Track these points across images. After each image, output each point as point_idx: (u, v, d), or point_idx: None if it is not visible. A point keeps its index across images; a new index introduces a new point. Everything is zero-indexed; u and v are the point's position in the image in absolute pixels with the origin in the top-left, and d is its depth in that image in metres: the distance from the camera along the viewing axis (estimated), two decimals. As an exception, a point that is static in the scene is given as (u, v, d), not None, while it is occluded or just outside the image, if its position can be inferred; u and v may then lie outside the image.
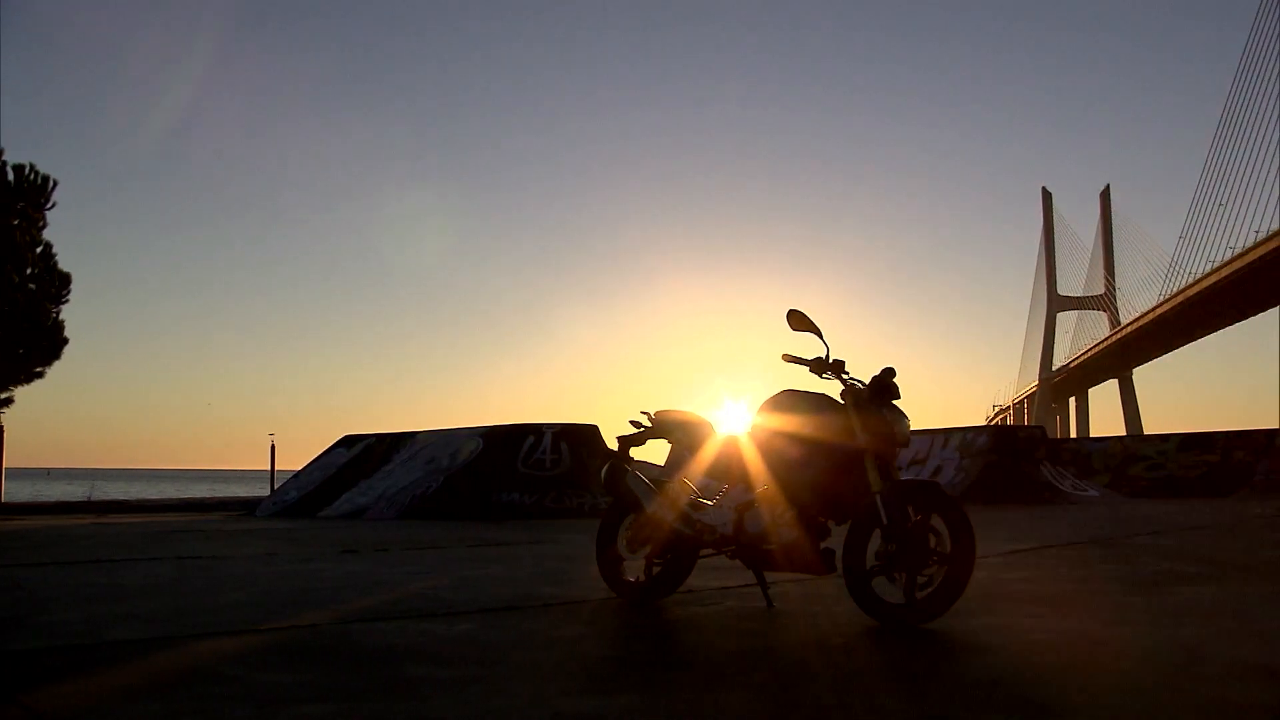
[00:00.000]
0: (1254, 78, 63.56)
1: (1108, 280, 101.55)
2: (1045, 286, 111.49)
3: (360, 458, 16.94)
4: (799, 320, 4.44)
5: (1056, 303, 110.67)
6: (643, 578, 4.90)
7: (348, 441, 17.65)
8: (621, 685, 3.10)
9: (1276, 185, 58.40)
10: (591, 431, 15.30)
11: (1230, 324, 76.46)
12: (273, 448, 36.34)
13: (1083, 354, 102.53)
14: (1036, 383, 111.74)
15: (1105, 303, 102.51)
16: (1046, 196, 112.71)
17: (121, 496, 29.67)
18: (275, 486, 24.54)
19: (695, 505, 4.75)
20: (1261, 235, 58.48)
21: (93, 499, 25.10)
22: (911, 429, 4.40)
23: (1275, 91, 60.56)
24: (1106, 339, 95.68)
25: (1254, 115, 62.89)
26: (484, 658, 3.52)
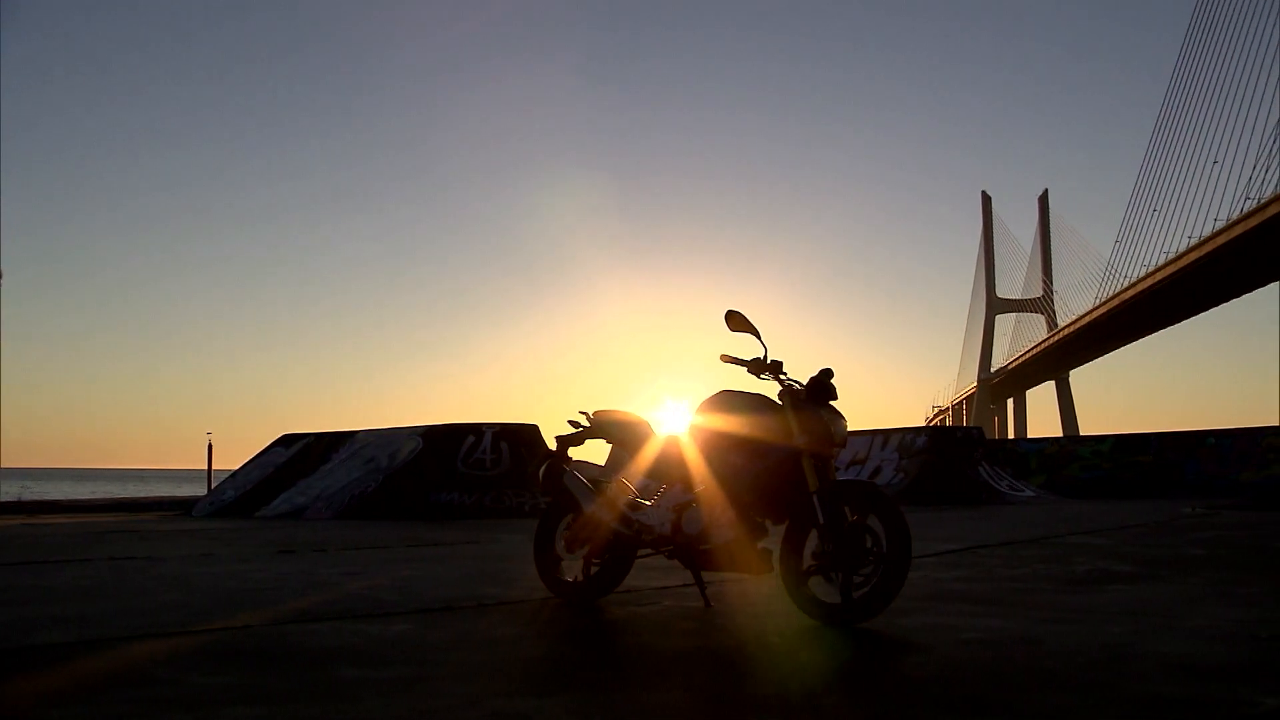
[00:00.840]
0: (1188, 85, 64.76)
1: (1045, 283, 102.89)
2: (984, 289, 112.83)
3: (299, 457, 16.81)
4: (737, 321, 4.46)
5: (995, 305, 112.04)
6: (581, 578, 4.90)
7: (286, 441, 17.50)
8: (559, 685, 3.09)
9: (1209, 191, 59.47)
10: (532, 431, 15.29)
11: (1164, 327, 77.79)
12: (210, 447, 36.01)
13: (1021, 355, 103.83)
14: (975, 384, 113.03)
15: (1043, 305, 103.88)
16: (986, 200, 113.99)
17: (54, 496, 29.20)
18: (212, 486, 24.29)
19: (633, 505, 4.75)
20: (1194, 241, 59.55)
21: (24, 499, 24.72)
22: (851, 430, 4.44)
23: (1207, 99, 61.72)
24: (1044, 341, 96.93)
25: (1188, 122, 64.05)
26: (420, 659, 3.50)
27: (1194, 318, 73.69)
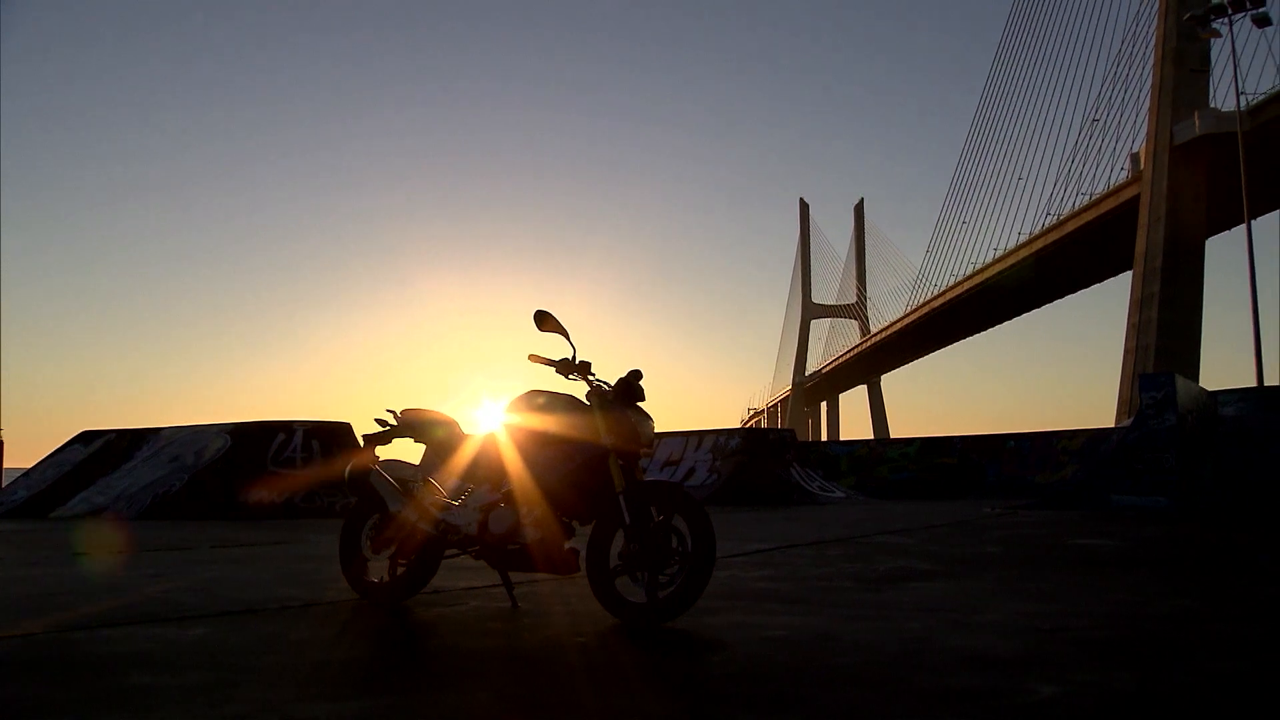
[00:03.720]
0: (998, 103, 67.64)
1: (859, 290, 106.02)
2: (801, 294, 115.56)
3: (99, 455, 16.10)
4: (546, 321, 4.46)
5: (811, 310, 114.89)
6: (387, 579, 4.84)
7: (85, 437, 16.74)
8: (360, 689, 3.04)
9: (1015, 206, 62.18)
10: (344, 430, 15.04)
11: (970, 335, 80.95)
12: (0, 444, 34.16)
13: (834, 360, 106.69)
14: (790, 387, 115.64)
15: (857, 311, 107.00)
16: (804, 207, 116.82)
17: None
18: (2, 486, 23.07)
19: (440, 505, 4.71)
20: (999, 253, 62.14)
21: None
22: (667, 431, 4.50)
23: (1015, 118, 64.53)
24: (857, 346, 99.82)
25: (997, 139, 66.89)
26: (217, 663, 3.40)
27: (998, 326, 76.96)
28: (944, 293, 71.04)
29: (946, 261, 71.76)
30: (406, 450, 5.08)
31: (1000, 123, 67.05)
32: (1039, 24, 62.56)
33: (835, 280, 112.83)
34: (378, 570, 4.91)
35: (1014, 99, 65.31)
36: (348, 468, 4.99)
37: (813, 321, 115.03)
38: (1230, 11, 35.99)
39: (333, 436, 14.98)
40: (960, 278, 68.10)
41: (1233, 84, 37.10)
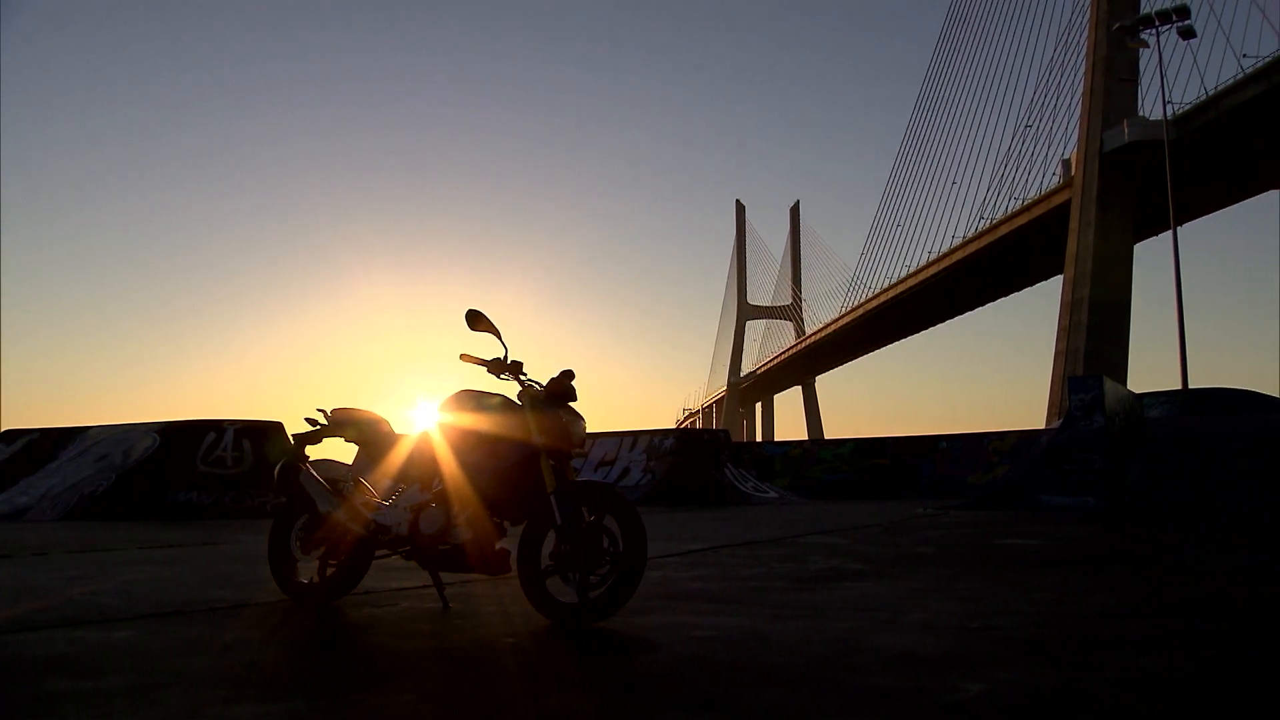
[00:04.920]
0: (932, 108, 68.41)
1: (795, 291, 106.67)
2: (736, 295, 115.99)
3: (21, 454, 15.80)
4: (479, 321, 4.44)
5: (746, 311, 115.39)
6: (317, 579, 4.79)
7: (7, 437, 16.43)
8: (285, 691, 3.01)
9: (949, 210, 62.91)
10: (276, 429, 14.87)
11: (903, 337, 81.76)
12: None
13: (769, 361, 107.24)
14: (725, 388, 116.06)
15: (792, 313, 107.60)
16: (740, 208, 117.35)
17: None
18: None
19: (371, 505, 4.68)
20: (933, 256, 62.84)
21: None
22: (601, 431, 4.50)
23: (949, 123, 65.30)
24: (792, 347, 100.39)
25: (931, 143, 67.67)
26: (139, 667, 3.33)
27: (932, 328, 77.82)
28: (879, 295, 71.70)
29: (881, 264, 72.54)
30: (338, 450, 5.04)
31: (935, 127, 67.93)
32: (974, 30, 63.45)
33: (771, 282, 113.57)
34: (308, 571, 4.86)
35: (949, 104, 66.18)
36: (277, 467, 4.95)
37: (748, 323, 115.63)
38: (1157, 23, 36.76)
39: (264, 436, 14.82)
40: (895, 280, 68.80)
41: (1160, 93, 37.89)
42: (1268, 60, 42.00)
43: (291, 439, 5.04)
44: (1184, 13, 36.85)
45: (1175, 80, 45.15)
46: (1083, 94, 51.29)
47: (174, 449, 14.49)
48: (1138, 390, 17.81)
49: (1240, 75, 42.95)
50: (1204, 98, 44.38)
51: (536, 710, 2.75)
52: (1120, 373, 46.99)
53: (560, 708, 2.79)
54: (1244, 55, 43.23)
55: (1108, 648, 3.52)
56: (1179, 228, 35.18)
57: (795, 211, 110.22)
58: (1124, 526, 9.81)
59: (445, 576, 4.65)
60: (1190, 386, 29.27)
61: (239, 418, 14.93)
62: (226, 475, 14.39)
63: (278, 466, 4.96)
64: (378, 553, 4.74)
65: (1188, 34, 37.09)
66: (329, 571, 4.77)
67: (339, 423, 4.88)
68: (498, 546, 4.37)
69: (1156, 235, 50.79)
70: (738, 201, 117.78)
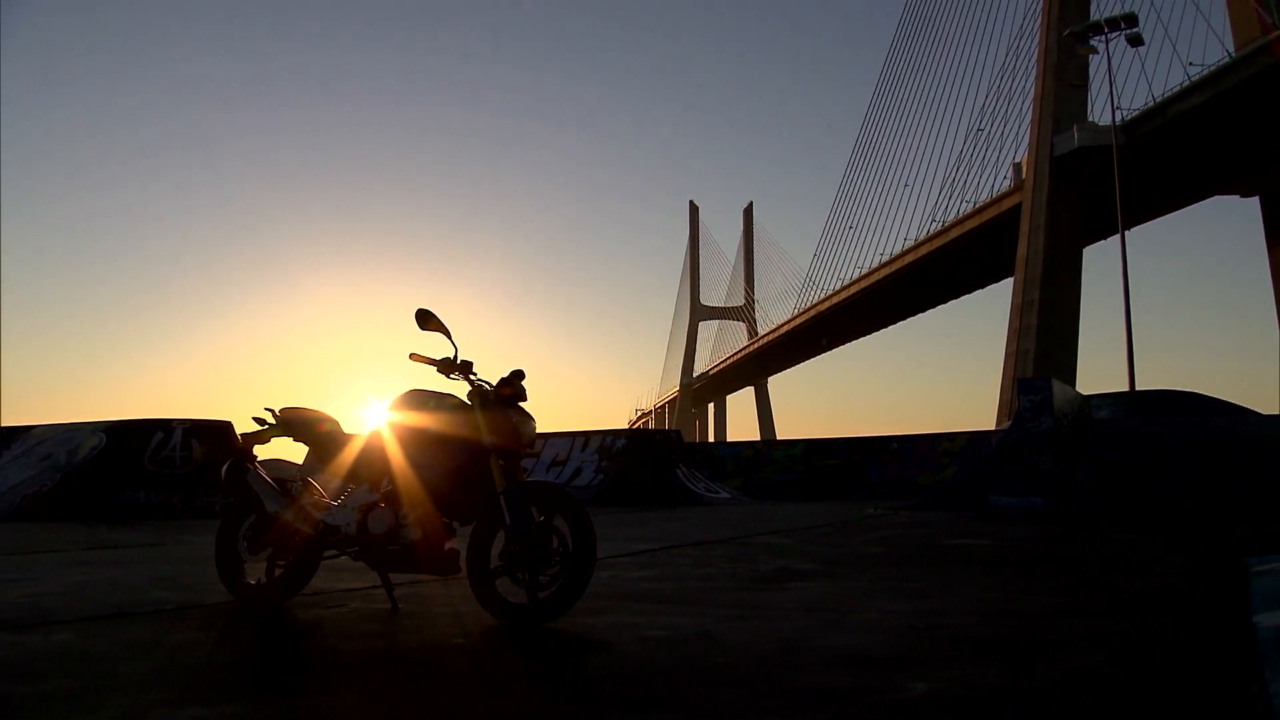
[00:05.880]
0: (885, 110, 68.84)
1: (748, 292, 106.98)
2: (689, 296, 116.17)
3: (-38, 454, 15.54)
4: (429, 320, 4.42)
5: (700, 312, 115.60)
6: (265, 580, 4.75)
7: (-52, 436, 16.15)
8: (230, 693, 2.98)
9: (902, 212, 63.37)
10: (225, 428, 14.72)
11: (856, 337, 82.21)
12: None
13: (722, 362, 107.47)
14: (678, 388, 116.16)
15: (745, 314, 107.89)
16: (693, 209, 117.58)
17: None
18: None
19: (318, 505, 4.64)
20: (885, 258, 63.24)
21: None
22: (554, 431, 4.49)
23: (901, 126, 65.75)
24: (744, 348, 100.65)
25: (884, 145, 68.08)
26: (82, 670, 3.29)
27: (884, 329, 78.31)
28: (831, 296, 72.05)
29: (834, 266, 72.85)
30: (288, 450, 5.00)
31: (889, 130, 68.34)
32: (928, 35, 63.92)
33: (724, 283, 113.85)
34: (255, 572, 4.82)
35: (902, 107, 66.62)
36: (224, 467, 4.90)
37: (701, 323, 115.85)
38: (1106, 30, 37.18)
39: (214, 435, 14.68)
40: (847, 282, 69.15)
41: (1109, 100, 38.33)
42: (1212, 69, 42.67)
43: (240, 438, 4.99)
44: (1132, 20, 37.29)
45: (1125, 87, 45.87)
46: (1034, 99, 51.81)
47: (121, 449, 14.30)
48: (1087, 391, 18.00)
49: (1186, 83, 43.59)
50: (1152, 104, 44.99)
51: (485, 711, 2.74)
52: (1070, 374, 47.49)
53: (509, 709, 2.78)
54: (1190, 64, 43.94)
55: (1052, 646, 3.56)
56: (1128, 231, 35.64)
57: (749, 213, 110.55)
58: (1072, 527, 9.92)
59: (395, 577, 4.63)
60: (1137, 388, 29.65)
61: (188, 417, 14.79)
62: (175, 475, 14.24)
63: (225, 466, 4.91)
64: (326, 553, 4.70)
65: (1136, 41, 37.55)
66: (277, 572, 4.73)
67: (287, 422, 4.84)
68: (447, 547, 4.35)
69: (1106, 239, 51.41)
70: (691, 203, 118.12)
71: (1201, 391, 19.13)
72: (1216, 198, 53.71)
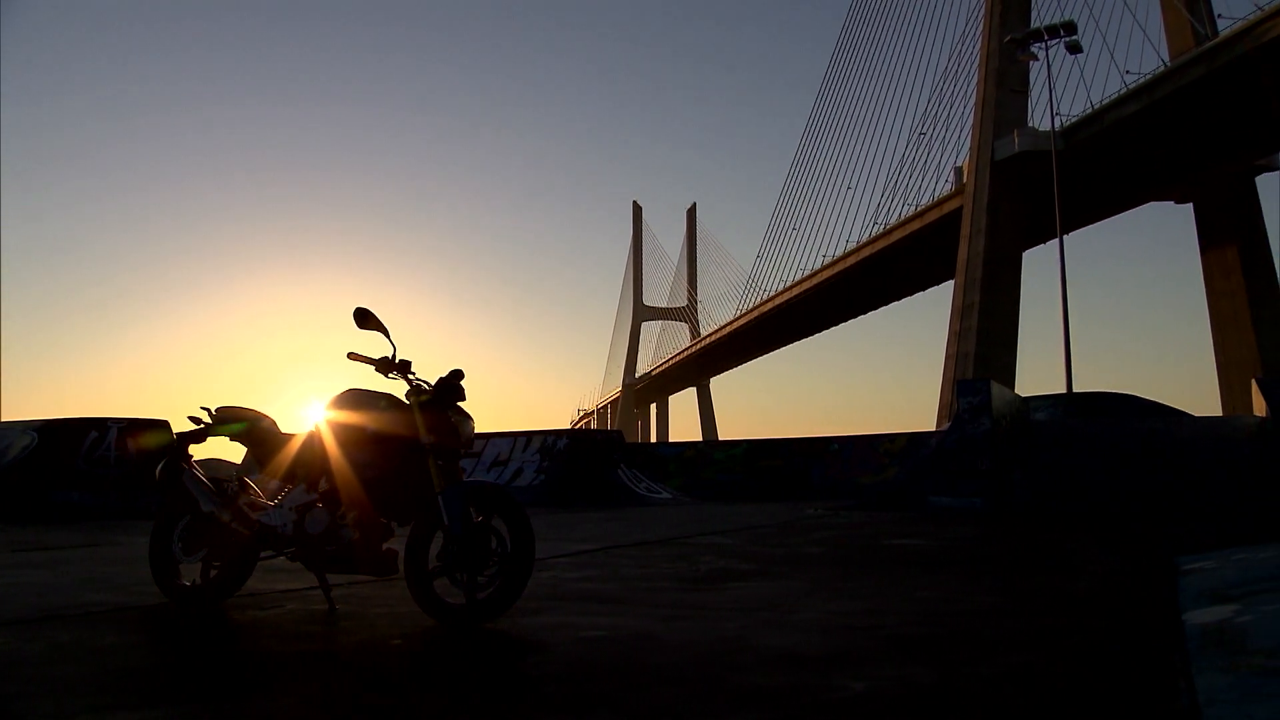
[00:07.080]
0: (829, 113, 69.22)
1: (690, 293, 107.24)
2: (632, 297, 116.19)
3: (-113, 455, 15.19)
4: (367, 319, 4.39)
5: (643, 313, 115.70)
6: (200, 581, 4.69)
7: None
8: (159, 697, 2.94)
9: (845, 214, 63.80)
10: (160, 427, 14.52)
11: (799, 339, 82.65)
12: None
13: (664, 362, 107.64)
14: (620, 388, 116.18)
15: (687, 315, 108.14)
16: (637, 210, 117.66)
17: None
18: None
19: (255, 505, 4.59)
20: (827, 259, 63.62)
21: None
22: (495, 431, 4.47)
23: (845, 129, 66.17)
24: (687, 349, 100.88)
25: (828, 148, 68.42)
26: (8, 674, 3.23)
27: (826, 330, 78.76)
28: (774, 297, 72.36)
29: (777, 267, 73.14)
30: (225, 450, 4.94)
31: (831, 132, 68.62)
32: (871, 37, 64.28)
33: (667, 283, 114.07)
34: (190, 573, 4.75)
35: (845, 109, 66.92)
36: (159, 466, 4.83)
37: (644, 324, 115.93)
38: (1046, 37, 37.66)
39: (149, 434, 14.46)
40: (790, 283, 69.47)
41: (1049, 105, 38.79)
42: (1148, 77, 43.37)
43: (176, 438, 4.92)
44: (1071, 28, 37.78)
45: (1065, 93, 46.40)
46: (975, 104, 52.33)
47: (54, 448, 14.06)
48: (1027, 393, 18.20)
49: (1124, 90, 44.26)
50: (1090, 111, 45.62)
51: (423, 713, 2.72)
52: (1009, 376, 48.01)
53: (447, 709, 2.77)
54: (1127, 72, 44.62)
55: (988, 645, 3.59)
56: (1067, 236, 36.08)
57: (692, 214, 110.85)
58: (1009, 527, 10.01)
59: (332, 578, 4.58)
60: (1075, 390, 30.02)
61: (123, 416, 14.58)
62: (109, 475, 14.03)
63: (159, 466, 4.84)
64: (263, 554, 4.65)
65: (1075, 49, 38.01)
66: (212, 573, 4.68)
67: (224, 421, 4.79)
68: (385, 547, 4.33)
69: (1045, 243, 52.00)
70: (634, 203, 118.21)
71: (1137, 394, 19.42)
72: (1153, 204, 54.52)
